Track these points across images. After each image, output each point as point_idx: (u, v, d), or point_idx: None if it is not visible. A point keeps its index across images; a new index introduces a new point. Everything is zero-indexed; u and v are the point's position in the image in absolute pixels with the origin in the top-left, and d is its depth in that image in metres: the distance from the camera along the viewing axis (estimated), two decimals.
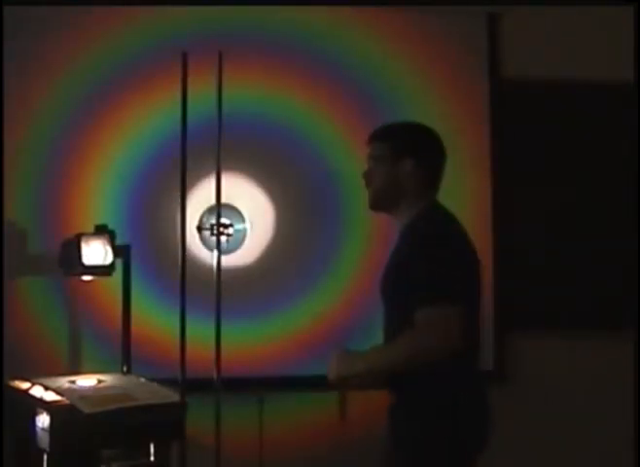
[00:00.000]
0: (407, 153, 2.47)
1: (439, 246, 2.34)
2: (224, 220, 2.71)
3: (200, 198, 3.32)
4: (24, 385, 2.88)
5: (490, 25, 3.94)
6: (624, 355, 3.85)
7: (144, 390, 2.89)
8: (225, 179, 2.97)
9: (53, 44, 3.52)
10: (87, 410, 2.65)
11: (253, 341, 3.59)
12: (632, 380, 3.78)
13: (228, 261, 3.14)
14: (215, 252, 2.94)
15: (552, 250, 3.96)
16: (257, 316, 3.62)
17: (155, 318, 3.45)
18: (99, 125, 3.55)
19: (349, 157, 3.69)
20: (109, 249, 3.08)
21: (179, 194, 2.88)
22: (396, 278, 2.38)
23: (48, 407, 2.68)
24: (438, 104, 3.76)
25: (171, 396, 2.82)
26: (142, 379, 3.05)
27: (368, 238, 3.72)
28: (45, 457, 2.68)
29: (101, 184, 3.54)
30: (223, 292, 2.93)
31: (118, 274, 3.17)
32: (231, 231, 2.97)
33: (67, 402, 2.69)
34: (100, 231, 3.10)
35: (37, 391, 2.80)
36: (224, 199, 2.96)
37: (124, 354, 3.19)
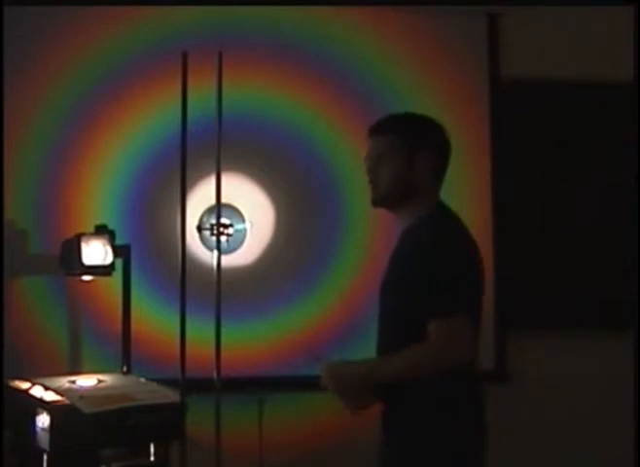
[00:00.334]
0: (417, 147, 2.32)
1: (450, 252, 2.23)
2: (224, 220, 2.71)
3: (200, 198, 3.33)
4: (24, 385, 2.88)
5: (490, 25, 3.94)
6: (624, 355, 3.85)
7: (144, 390, 2.89)
8: (225, 179, 2.97)
9: (52, 44, 3.53)
10: (87, 410, 2.65)
11: (253, 342, 3.59)
12: (632, 380, 3.78)
13: (228, 261, 3.14)
14: (215, 252, 2.94)
15: (553, 250, 3.96)
16: (257, 316, 3.62)
17: (155, 318, 3.45)
18: (99, 125, 3.55)
19: (349, 157, 3.69)
20: (109, 249, 3.08)
21: (179, 194, 2.88)
22: (399, 280, 2.28)
23: (48, 407, 2.68)
24: (438, 104, 3.76)
25: (171, 396, 2.82)
26: (142, 379, 3.05)
27: (368, 239, 3.72)
28: (45, 457, 2.68)
29: (101, 184, 3.54)
30: (223, 292, 2.93)
31: (118, 274, 3.18)
32: (231, 231, 2.96)
33: (67, 402, 2.69)
34: (100, 231, 3.10)
35: (37, 391, 2.80)
36: (224, 199, 2.96)
37: (124, 354, 3.19)
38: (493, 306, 3.75)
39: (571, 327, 3.94)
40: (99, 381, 2.96)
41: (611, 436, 3.86)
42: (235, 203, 3.50)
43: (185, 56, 2.82)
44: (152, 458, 2.83)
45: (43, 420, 2.66)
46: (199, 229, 3.04)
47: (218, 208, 2.72)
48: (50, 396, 2.74)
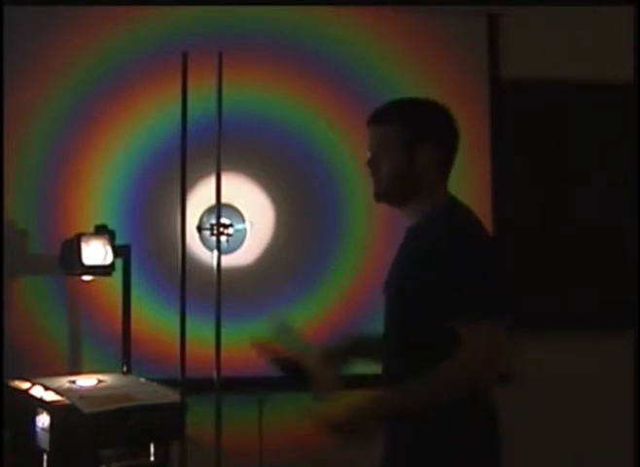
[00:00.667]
0: (423, 136, 2.15)
1: (478, 250, 2.08)
2: (224, 220, 2.71)
3: (200, 199, 3.33)
4: (24, 385, 2.88)
5: (490, 25, 3.94)
6: (624, 355, 3.85)
7: (144, 390, 2.89)
8: (225, 179, 2.97)
9: (52, 44, 3.52)
10: (87, 410, 2.65)
11: None
12: (632, 380, 3.78)
13: (228, 261, 3.14)
14: (215, 252, 2.94)
15: (553, 250, 3.96)
16: (257, 316, 3.61)
17: (155, 318, 3.45)
18: (99, 125, 3.55)
19: (349, 157, 3.69)
20: (109, 249, 3.08)
21: (179, 194, 2.88)
22: (412, 281, 2.12)
23: (48, 407, 2.67)
24: None
25: (171, 396, 2.82)
26: (142, 379, 3.05)
27: (368, 239, 3.72)
28: (45, 457, 2.68)
29: (101, 184, 3.54)
30: (223, 292, 2.93)
31: (118, 274, 3.17)
32: (231, 231, 2.96)
33: (67, 402, 2.69)
34: (100, 231, 3.10)
35: (37, 391, 2.80)
36: (224, 199, 2.96)
37: (124, 354, 3.19)
38: None
39: (571, 327, 3.94)
40: (99, 381, 2.96)
41: (611, 436, 3.86)
42: (235, 203, 3.50)
43: (185, 56, 2.82)
44: (152, 458, 2.83)
45: (43, 420, 2.66)
46: (199, 229, 3.05)
47: (218, 208, 2.72)
48: (50, 396, 2.74)
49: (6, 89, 3.39)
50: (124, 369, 3.17)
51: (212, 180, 2.96)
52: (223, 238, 2.89)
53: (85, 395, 2.76)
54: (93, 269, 3.08)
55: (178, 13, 3.58)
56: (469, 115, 3.85)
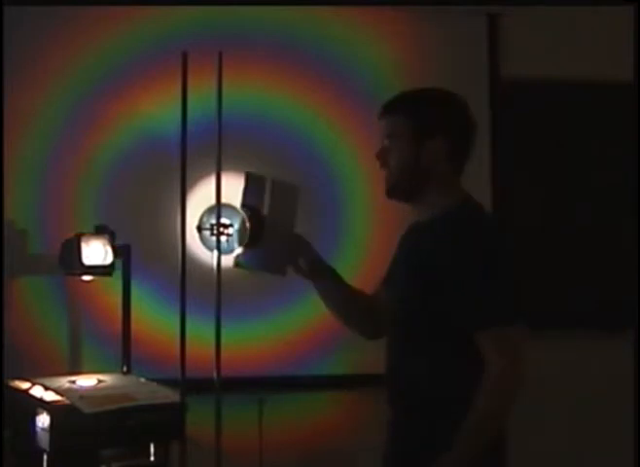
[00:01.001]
0: (434, 128, 2.12)
1: (496, 254, 2.06)
2: (224, 220, 2.70)
3: (200, 199, 3.32)
4: (24, 385, 2.88)
5: (490, 25, 3.94)
6: (624, 355, 3.85)
7: (144, 390, 2.89)
8: (225, 179, 2.97)
9: (52, 44, 3.52)
10: (87, 410, 2.65)
11: (253, 341, 3.58)
12: (632, 380, 3.78)
13: (228, 261, 3.14)
14: (215, 252, 2.94)
15: (552, 250, 3.96)
16: (257, 316, 3.62)
17: (155, 318, 3.45)
18: (99, 125, 3.55)
19: (350, 157, 3.69)
20: (109, 249, 3.08)
21: (179, 194, 2.87)
22: (422, 281, 2.10)
23: (48, 407, 2.67)
24: None
25: (171, 396, 2.82)
26: (142, 379, 3.05)
27: (368, 239, 3.72)
28: (45, 457, 2.68)
29: (101, 184, 3.54)
30: (223, 292, 2.92)
31: (118, 274, 3.17)
32: (231, 231, 2.96)
33: (67, 402, 2.69)
34: (100, 231, 3.10)
35: (37, 391, 2.80)
36: (224, 199, 2.96)
37: (124, 354, 3.19)
38: None
39: (571, 327, 3.94)
40: (99, 381, 2.96)
41: (611, 436, 3.85)
42: (235, 203, 3.49)
43: (185, 56, 2.81)
44: (152, 458, 2.83)
45: (43, 420, 2.66)
46: (199, 229, 3.04)
47: (218, 208, 2.72)
48: (50, 396, 2.74)
49: (6, 89, 3.39)
50: (124, 369, 3.17)
51: (212, 180, 2.96)
52: (223, 238, 2.88)
53: (85, 395, 2.76)
54: (93, 269, 3.08)
55: (178, 13, 3.58)
56: None
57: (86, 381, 2.94)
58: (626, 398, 3.85)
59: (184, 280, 2.84)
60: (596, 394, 3.91)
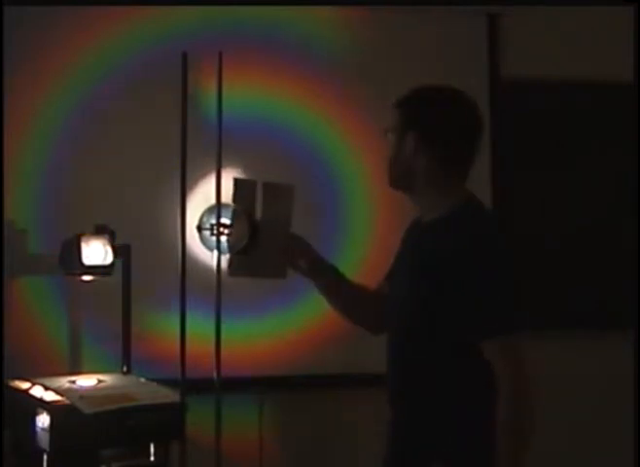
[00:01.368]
0: (411, 125, 2.17)
1: (497, 255, 2.09)
2: (224, 220, 2.70)
3: (200, 199, 3.32)
4: (24, 385, 2.88)
5: (490, 25, 3.94)
6: (624, 355, 3.84)
7: (144, 390, 2.89)
8: (225, 179, 2.97)
9: (52, 43, 3.52)
10: (87, 410, 2.65)
11: (253, 341, 3.58)
12: (632, 380, 3.78)
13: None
14: (215, 252, 2.94)
15: (552, 250, 3.96)
16: (257, 316, 3.62)
17: (155, 318, 3.45)
18: (99, 125, 3.55)
19: (350, 157, 3.69)
20: (109, 249, 3.08)
21: (179, 194, 2.87)
22: (424, 281, 2.11)
23: (48, 407, 2.67)
24: None
25: (171, 396, 2.82)
26: (142, 379, 3.05)
27: (368, 239, 3.72)
28: (45, 457, 2.68)
29: (101, 184, 3.54)
30: (223, 292, 2.92)
31: (118, 274, 3.17)
32: (230, 231, 2.95)
33: (67, 402, 2.69)
34: (100, 231, 3.10)
35: (37, 391, 2.80)
36: (224, 199, 2.96)
37: (124, 354, 3.19)
38: None
39: (571, 327, 3.94)
40: (99, 381, 2.96)
41: (611, 436, 3.86)
42: None
43: (185, 57, 2.81)
44: (152, 458, 2.83)
45: (43, 420, 2.66)
46: (199, 229, 3.04)
47: (218, 208, 2.72)
48: (50, 396, 2.74)
49: (6, 89, 3.39)
50: (124, 369, 3.17)
51: (212, 180, 2.96)
52: (223, 238, 2.88)
53: (85, 395, 2.76)
54: (93, 269, 3.08)
55: (178, 13, 3.58)
56: None
57: (86, 381, 2.94)
58: (626, 398, 3.84)
59: (184, 280, 2.84)
60: (596, 394, 3.91)
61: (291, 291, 3.61)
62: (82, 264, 3.04)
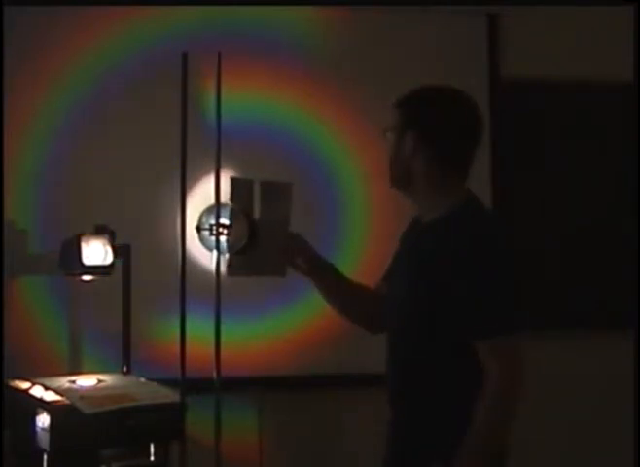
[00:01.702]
0: (410, 125, 2.20)
1: (496, 255, 2.08)
2: (223, 220, 2.70)
3: (200, 199, 3.32)
4: (24, 385, 2.88)
5: (490, 25, 3.94)
6: (624, 355, 3.84)
7: (144, 390, 2.89)
8: (224, 179, 2.97)
9: (52, 44, 3.52)
10: (87, 410, 2.65)
11: (253, 341, 3.58)
12: (632, 380, 3.78)
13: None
14: (214, 252, 2.94)
15: (552, 250, 3.96)
16: (257, 316, 3.61)
17: (155, 318, 3.45)
18: (99, 125, 3.55)
19: (349, 157, 3.69)
20: (109, 249, 3.08)
21: (179, 194, 2.87)
22: (423, 281, 2.12)
23: (48, 407, 2.67)
24: None
25: (171, 396, 2.82)
26: (142, 379, 3.05)
27: (368, 239, 3.72)
28: (45, 457, 2.68)
29: (101, 184, 3.54)
30: (222, 292, 2.92)
31: (118, 274, 3.17)
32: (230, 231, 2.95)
33: (67, 402, 2.69)
34: (100, 231, 3.10)
35: (37, 391, 2.80)
36: (223, 200, 2.96)
37: (124, 354, 3.19)
38: None
39: (571, 327, 3.94)
40: (99, 381, 2.96)
41: (611, 436, 3.86)
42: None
43: (185, 57, 2.81)
44: (152, 458, 2.83)
45: (43, 420, 2.66)
46: (199, 229, 3.04)
47: (217, 208, 2.71)
48: (50, 396, 2.74)
49: (6, 89, 3.39)
50: (124, 369, 3.17)
51: (211, 180, 2.95)
52: (222, 238, 2.88)
53: (85, 395, 2.76)
54: (93, 269, 3.08)
55: (178, 13, 3.58)
56: None
57: (86, 381, 2.94)
58: (626, 398, 3.84)
59: (184, 280, 2.84)
60: (596, 394, 3.91)
61: (290, 291, 3.61)
62: (82, 264, 3.04)
